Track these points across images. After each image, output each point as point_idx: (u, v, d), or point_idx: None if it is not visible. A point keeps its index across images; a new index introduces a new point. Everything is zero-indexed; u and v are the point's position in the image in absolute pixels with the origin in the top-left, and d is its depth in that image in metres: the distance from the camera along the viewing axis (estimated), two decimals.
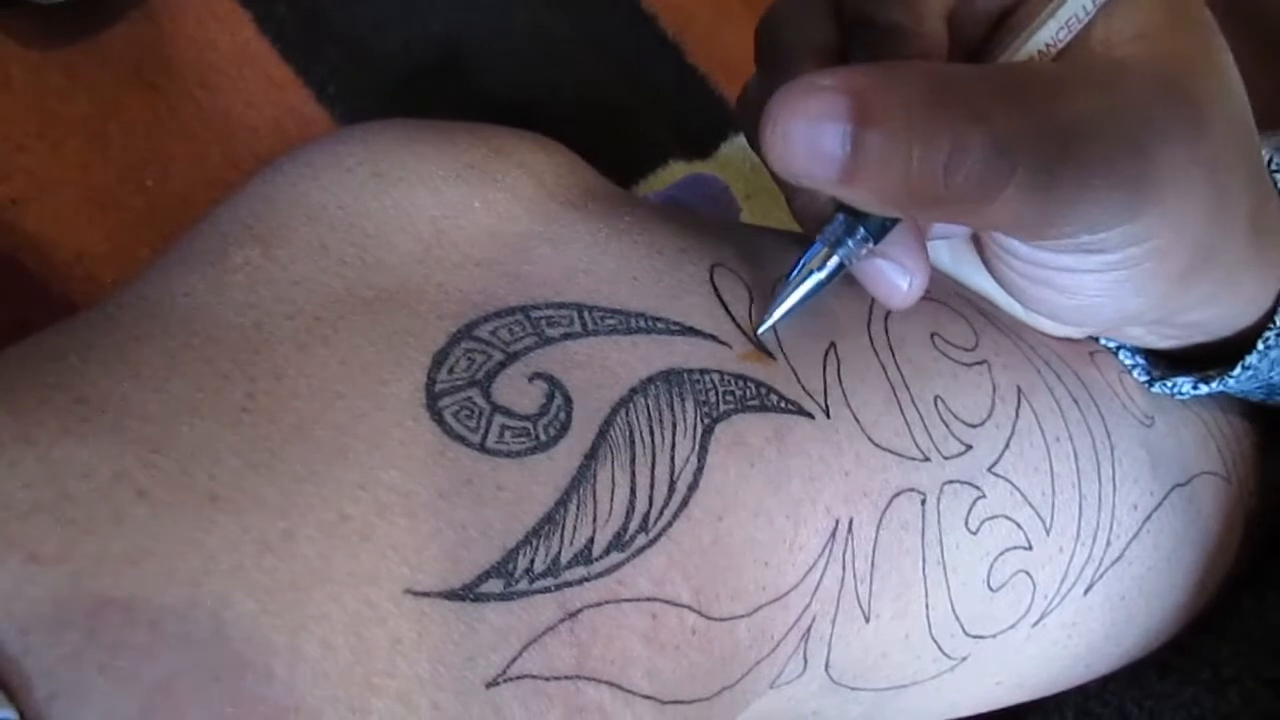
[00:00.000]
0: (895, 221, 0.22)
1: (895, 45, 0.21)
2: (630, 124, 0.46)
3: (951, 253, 0.28)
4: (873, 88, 0.18)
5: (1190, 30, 0.22)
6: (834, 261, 0.22)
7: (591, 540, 0.19)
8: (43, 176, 0.36)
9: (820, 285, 0.22)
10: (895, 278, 0.22)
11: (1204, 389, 0.27)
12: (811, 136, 0.18)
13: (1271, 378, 0.27)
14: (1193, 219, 0.21)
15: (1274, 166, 0.26)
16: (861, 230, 0.21)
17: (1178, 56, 0.21)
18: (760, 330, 0.22)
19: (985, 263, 0.25)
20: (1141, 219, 0.20)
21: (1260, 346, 0.26)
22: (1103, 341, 0.29)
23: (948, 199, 0.18)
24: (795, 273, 0.22)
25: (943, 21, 0.22)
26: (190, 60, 0.39)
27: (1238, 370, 0.26)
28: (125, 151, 0.38)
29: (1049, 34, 0.21)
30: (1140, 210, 0.20)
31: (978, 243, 0.25)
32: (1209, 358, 0.27)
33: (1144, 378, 0.29)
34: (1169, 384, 0.28)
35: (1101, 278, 0.22)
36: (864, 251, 0.22)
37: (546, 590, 0.18)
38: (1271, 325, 0.26)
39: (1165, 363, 0.29)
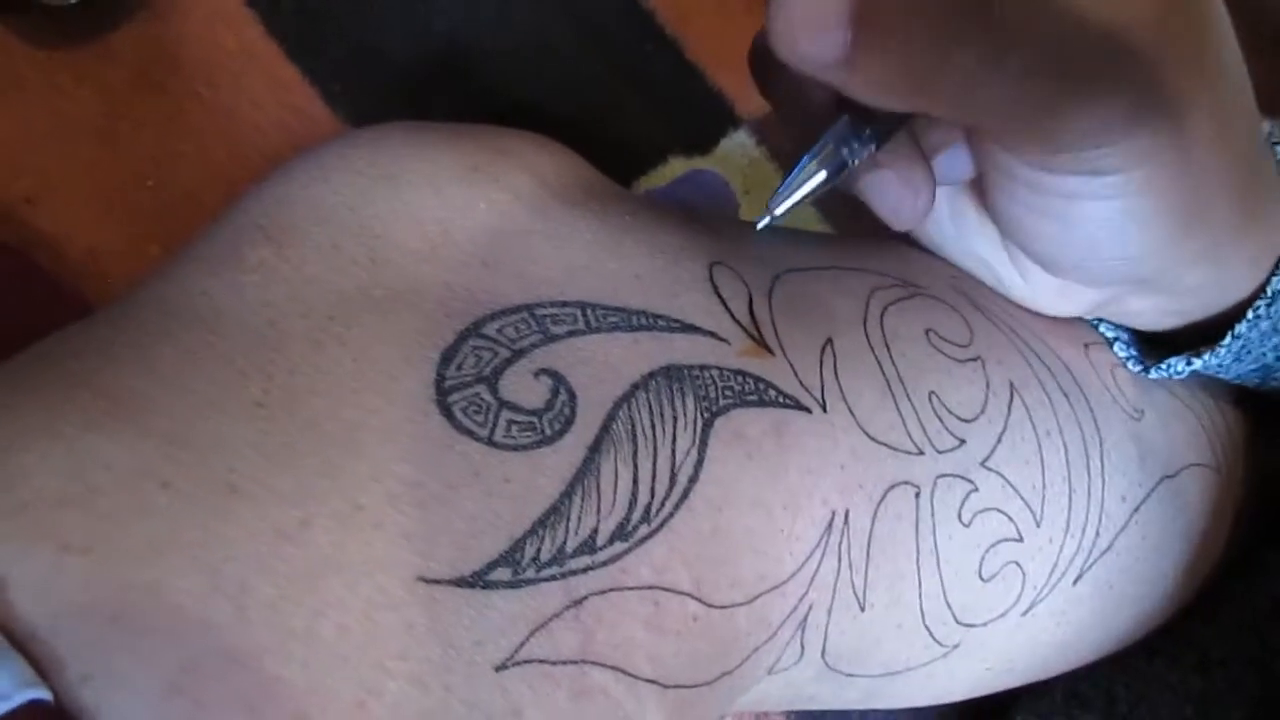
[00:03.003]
0: (899, 125, 0.22)
1: None
2: (629, 120, 0.46)
3: (951, 209, 0.28)
4: None
5: None
6: (837, 159, 0.22)
7: (595, 530, 0.19)
8: (54, 175, 0.37)
9: (824, 183, 0.22)
10: (901, 191, 0.23)
11: (1197, 363, 0.27)
12: (815, 17, 0.19)
13: (1264, 355, 0.27)
14: (1191, 147, 0.21)
15: (1275, 139, 0.26)
16: (867, 130, 0.22)
17: None
18: (760, 226, 0.23)
19: (989, 202, 0.25)
20: (1140, 135, 0.20)
21: (1250, 315, 0.26)
22: (1101, 330, 0.29)
23: (946, 82, 0.19)
24: (798, 170, 0.22)
25: None
26: (197, 60, 0.39)
27: (1228, 340, 0.26)
28: (134, 150, 0.38)
29: None
30: (1139, 124, 0.20)
31: (983, 184, 0.25)
32: (1204, 342, 0.28)
33: (1137, 368, 0.29)
34: (1163, 366, 0.28)
35: (1106, 205, 0.22)
36: (866, 154, 0.22)
37: (552, 578, 0.19)
38: (1263, 295, 0.26)
39: (1161, 352, 0.29)
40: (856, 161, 0.22)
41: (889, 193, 0.23)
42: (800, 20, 0.19)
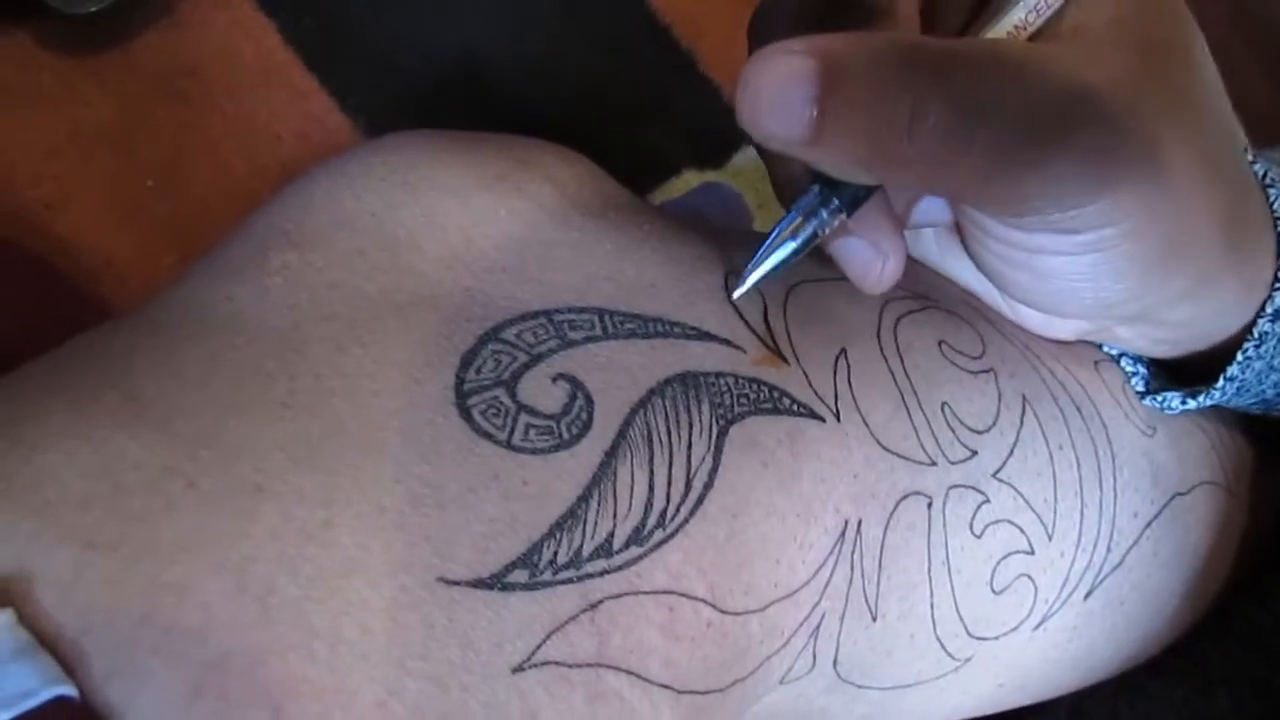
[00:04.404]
0: (869, 194, 0.22)
1: (869, 25, 0.22)
2: (644, 133, 0.47)
3: (938, 242, 0.28)
4: (840, 51, 0.19)
5: (1164, 18, 0.22)
6: (807, 231, 0.22)
7: (612, 534, 0.19)
8: (73, 182, 0.37)
9: (794, 254, 0.23)
10: (869, 257, 0.23)
11: (1192, 404, 0.28)
12: (781, 97, 0.19)
13: (1263, 392, 0.27)
14: (1165, 199, 0.21)
15: (1268, 180, 0.26)
16: (835, 201, 0.22)
17: (1151, 42, 0.21)
18: (734, 296, 0.23)
19: (966, 248, 0.26)
20: (1111, 196, 0.20)
21: (1239, 358, 0.26)
22: (1105, 349, 0.30)
23: (912, 159, 0.19)
24: (769, 241, 0.23)
25: (916, 6, 0.23)
26: (217, 70, 0.40)
27: (1221, 383, 0.26)
28: (152, 158, 0.39)
29: (1017, 16, 0.22)
30: (1110, 187, 0.20)
31: (959, 230, 0.26)
32: (1207, 370, 0.28)
33: (1140, 388, 0.29)
34: (1159, 399, 0.28)
35: (1079, 260, 0.22)
36: (836, 223, 0.22)
37: (569, 581, 0.19)
38: (1250, 336, 0.26)
39: (1166, 374, 0.30)
40: (827, 230, 0.22)
41: (858, 259, 0.23)
42: (767, 99, 0.19)
